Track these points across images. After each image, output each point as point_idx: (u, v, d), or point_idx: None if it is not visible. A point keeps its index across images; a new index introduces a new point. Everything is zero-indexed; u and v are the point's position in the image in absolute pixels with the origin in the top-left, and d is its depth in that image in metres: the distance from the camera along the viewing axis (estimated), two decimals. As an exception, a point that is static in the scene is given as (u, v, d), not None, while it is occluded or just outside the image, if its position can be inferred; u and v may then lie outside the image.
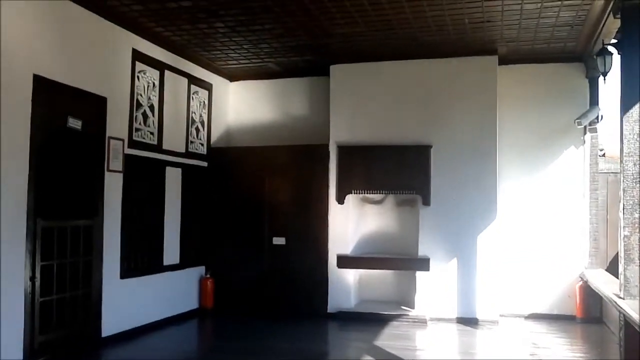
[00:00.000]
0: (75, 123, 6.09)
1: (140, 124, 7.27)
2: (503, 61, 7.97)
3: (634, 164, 5.26)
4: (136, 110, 7.21)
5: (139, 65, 7.25)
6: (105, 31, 6.61)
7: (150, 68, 7.46)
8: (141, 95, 7.31)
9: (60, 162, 6.12)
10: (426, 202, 7.93)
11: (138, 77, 7.24)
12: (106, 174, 6.60)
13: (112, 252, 6.71)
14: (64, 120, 5.97)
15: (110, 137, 6.65)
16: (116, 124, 6.79)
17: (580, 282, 7.81)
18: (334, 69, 8.42)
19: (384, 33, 7.15)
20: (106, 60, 6.63)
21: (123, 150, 6.88)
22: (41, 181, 5.66)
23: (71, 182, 6.26)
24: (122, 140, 6.89)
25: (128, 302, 6.99)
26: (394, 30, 7.03)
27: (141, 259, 7.26)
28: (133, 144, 7.11)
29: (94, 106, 6.43)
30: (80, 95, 6.19)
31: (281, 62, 8.63)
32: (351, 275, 8.27)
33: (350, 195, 8.25)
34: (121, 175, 6.86)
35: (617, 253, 7.66)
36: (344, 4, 6.19)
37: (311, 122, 9.01)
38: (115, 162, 6.75)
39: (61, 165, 6.15)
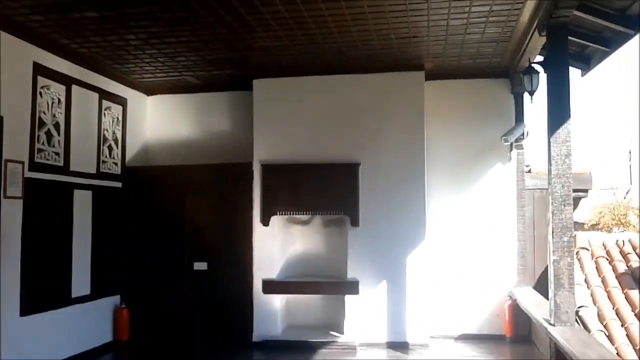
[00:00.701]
0: (-38, 146, 5.43)
1: (43, 144, 6.63)
2: (430, 76, 7.81)
3: (562, 186, 5.14)
4: (39, 129, 6.56)
5: (42, 80, 6.61)
6: (5, 44, 5.96)
7: (55, 83, 6.83)
8: (44, 112, 6.67)
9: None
10: (354, 222, 7.64)
11: (41, 93, 6.61)
12: (2, 201, 5.93)
13: (11, 288, 6.04)
14: (-51, 143, 5.31)
15: (7, 160, 6.00)
16: (15, 146, 6.14)
17: (509, 301, 7.72)
18: (257, 83, 8.03)
19: (307, 47, 6.83)
20: (1, 75, 5.97)
21: (23, 174, 6.23)
22: None
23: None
24: (22, 162, 6.24)
25: (31, 341, 6.33)
26: (318, 44, 6.72)
27: (46, 292, 6.59)
28: (35, 166, 6.46)
29: (-14, 126, 5.79)
30: (-32, 114, 5.54)
31: (201, 76, 8.17)
32: (278, 301, 7.86)
33: (275, 216, 7.85)
34: (21, 201, 6.20)
35: (545, 269, 7.66)
36: (265, 17, 5.82)
37: (234, 138, 8.57)
38: (14, 188, 6.09)
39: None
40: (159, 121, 9.00)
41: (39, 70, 6.54)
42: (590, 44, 6.74)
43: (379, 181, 7.67)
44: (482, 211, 8.01)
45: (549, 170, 5.21)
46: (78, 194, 7.25)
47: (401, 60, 7.40)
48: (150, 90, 8.91)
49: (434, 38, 6.56)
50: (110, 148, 8.02)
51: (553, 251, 5.14)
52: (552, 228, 5.14)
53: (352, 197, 7.66)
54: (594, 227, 15.21)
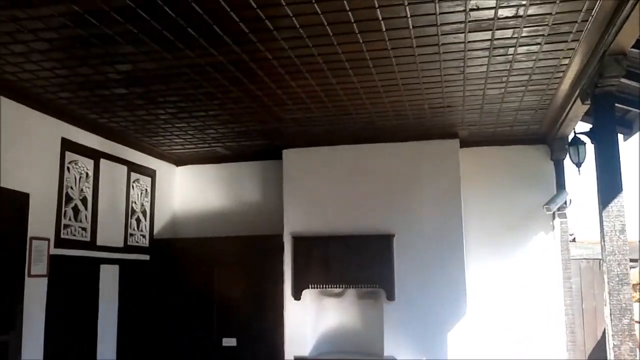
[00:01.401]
0: (-13, 226, 5.30)
1: (70, 219, 6.50)
2: (465, 143, 7.56)
3: (618, 264, 4.74)
4: (65, 204, 6.45)
5: (70, 155, 6.54)
6: (28, 120, 5.90)
7: (83, 157, 6.76)
8: (72, 187, 6.57)
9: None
10: (390, 296, 7.26)
11: (68, 168, 6.52)
12: (27, 280, 5.75)
13: (34, 368, 5.80)
14: (-26, 224, 5.19)
15: (32, 238, 5.85)
16: (40, 223, 6.01)
17: (559, 382, 7.18)
18: (287, 153, 7.87)
19: (338, 118, 6.67)
20: (29, 151, 5.90)
21: (48, 251, 6.07)
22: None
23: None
24: (47, 239, 6.09)
25: None
26: (349, 115, 6.55)
27: (69, 374, 6.34)
28: (61, 242, 6.31)
29: (12, 205, 5.67)
30: (-5, 193, 5.43)
31: (230, 147, 8.06)
32: (310, 380, 7.45)
33: (307, 290, 7.53)
34: (45, 279, 6.02)
35: (597, 346, 7.14)
36: (295, 90, 5.69)
37: (264, 209, 8.37)
38: (39, 266, 5.92)
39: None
40: (187, 192, 8.87)
41: (67, 145, 6.48)
42: (632, 109, 6.46)
43: (415, 253, 7.32)
44: (526, 283, 7.55)
45: (603, 247, 4.83)
46: (105, 268, 7.05)
47: (434, 129, 7.18)
48: (179, 160, 8.83)
49: (469, 107, 6.34)
50: (138, 220, 7.87)
51: (612, 335, 4.71)
52: (610, 310, 4.73)
53: (386, 270, 7.32)
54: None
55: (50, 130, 6.24)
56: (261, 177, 8.58)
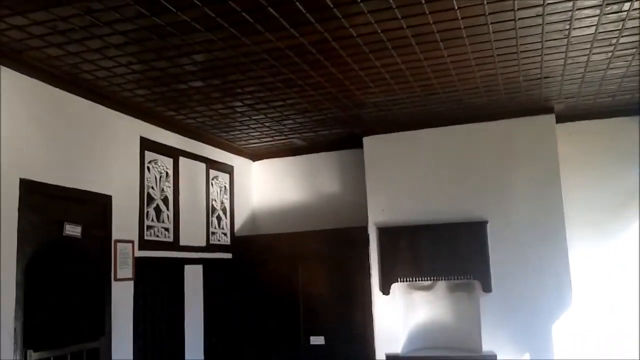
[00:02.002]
0: (73, 230, 5.19)
1: (152, 220, 6.38)
2: (560, 118, 6.94)
3: None
4: (147, 205, 6.32)
5: (149, 155, 6.41)
6: (107, 120, 5.80)
7: (162, 156, 6.62)
8: (153, 187, 6.44)
9: (56, 279, 5.14)
10: (487, 287, 6.77)
11: (148, 167, 6.40)
12: (113, 284, 5.64)
13: (126, 371, 5.70)
14: (60, 228, 5.08)
15: (117, 241, 5.74)
16: (124, 224, 5.89)
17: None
18: (368, 141, 7.49)
19: (423, 98, 6.24)
20: (109, 152, 5.79)
21: (133, 254, 5.96)
22: (32, 303, 4.73)
23: (70, 300, 5.28)
24: (132, 242, 5.97)
25: None
26: (436, 94, 6.11)
27: (160, 376, 6.22)
28: (145, 244, 6.18)
29: (96, 207, 5.57)
30: (78, 196, 5.33)
31: (307, 137, 7.77)
32: (405, 379, 7.07)
33: (396, 283, 7.15)
34: (131, 283, 5.90)
35: None
36: (379, 70, 5.30)
37: (345, 200, 8.04)
38: (124, 269, 5.81)
39: (57, 282, 5.16)
40: (265, 187, 8.66)
41: (146, 144, 6.35)
42: None
43: (512, 240, 6.79)
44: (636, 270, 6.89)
45: None
46: (189, 269, 6.91)
47: (528, 104, 6.63)
48: (255, 155, 8.63)
49: (569, 77, 5.77)
50: (219, 218, 7.71)
51: None
52: None
53: (481, 259, 6.83)
54: None
55: (129, 129, 6.12)
56: (340, 168, 8.25)
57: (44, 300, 4.95)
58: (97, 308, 5.47)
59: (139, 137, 6.25)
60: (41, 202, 4.92)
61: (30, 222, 4.76)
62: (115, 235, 5.73)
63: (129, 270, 5.87)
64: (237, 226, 8.10)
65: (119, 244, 5.76)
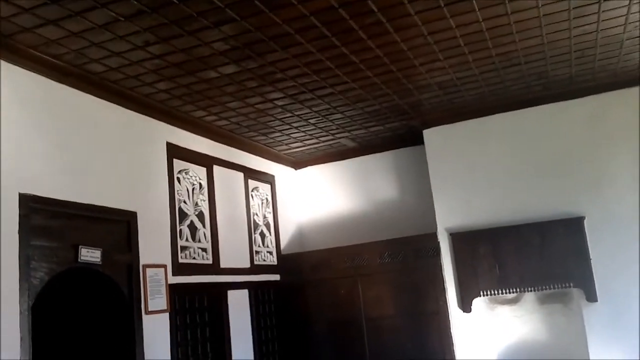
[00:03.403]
0: (91, 255, 4.24)
1: (187, 239, 5.42)
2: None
3: None
4: (180, 222, 5.37)
5: (179, 164, 5.48)
6: (126, 123, 4.89)
7: (193, 165, 5.69)
8: (185, 202, 5.49)
9: (71, 317, 4.22)
10: (591, 296, 5.60)
11: (178, 178, 5.46)
12: (145, 318, 4.66)
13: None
14: (74, 254, 4.13)
15: (145, 266, 4.78)
16: (153, 246, 4.93)
17: None
18: (429, 133, 6.43)
19: (500, 73, 5.16)
20: (130, 161, 4.87)
21: (166, 280, 4.98)
22: (42, 347, 3.80)
23: (90, 341, 4.33)
24: (164, 266, 5.01)
25: None
26: (518, 65, 5.03)
27: None
28: (179, 268, 5.22)
29: (118, 226, 4.62)
30: (95, 213, 4.39)
31: (358, 136, 6.75)
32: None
33: (477, 298, 6.02)
34: (166, 315, 4.92)
35: None
36: (453, 35, 4.27)
37: (406, 205, 6.98)
38: (157, 300, 4.83)
39: (72, 321, 4.23)
40: (311, 197, 7.65)
41: (174, 151, 5.42)
42: None
43: (616, 238, 5.62)
44: None
45: None
46: (233, 295, 5.91)
47: (625, 73, 5.50)
48: (297, 162, 7.65)
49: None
50: (262, 235, 6.72)
51: None
52: None
53: (580, 263, 5.67)
54: None
55: (153, 133, 5.20)
56: (396, 169, 7.20)
57: (57, 343, 4.00)
58: (126, 348, 4.49)
59: (165, 143, 5.32)
60: (49, 222, 4.00)
61: (36, 248, 3.84)
62: (143, 259, 4.77)
63: (162, 301, 4.89)
64: (283, 243, 7.08)
65: (148, 270, 4.79)
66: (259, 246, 6.59)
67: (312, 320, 6.69)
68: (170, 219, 5.22)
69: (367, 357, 6.40)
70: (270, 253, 6.83)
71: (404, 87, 5.26)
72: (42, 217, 3.95)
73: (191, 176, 5.64)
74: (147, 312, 4.69)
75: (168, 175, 5.30)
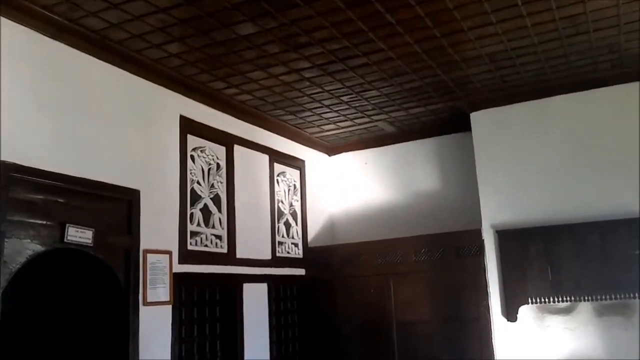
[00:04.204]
0: (80, 235, 3.72)
1: (198, 224, 4.89)
2: None
3: None
4: (192, 205, 4.83)
5: (193, 140, 4.95)
6: (133, 89, 4.38)
7: (210, 143, 5.15)
8: (199, 182, 4.95)
9: (53, 305, 3.71)
10: (664, 309, 4.82)
11: (192, 156, 4.92)
12: (142, 310, 4.13)
13: None
14: (61, 232, 3.62)
15: (147, 251, 4.24)
16: (158, 229, 4.41)
17: None
18: (477, 117, 5.72)
19: (564, 43, 4.42)
20: (136, 133, 4.35)
21: (170, 269, 4.44)
22: (13, 341, 3.30)
23: (76, 334, 3.82)
24: (169, 252, 4.47)
25: None
26: (585, 34, 4.28)
27: None
28: (188, 256, 4.68)
29: (116, 205, 4.10)
30: (91, 189, 3.88)
31: (396, 119, 6.09)
32: None
33: (525, 306, 5.29)
34: (169, 308, 4.38)
35: None
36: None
37: (449, 198, 6.30)
38: (158, 290, 4.30)
39: (55, 310, 3.73)
40: (345, 186, 7.03)
41: (189, 126, 4.88)
42: None
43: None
44: None
45: None
46: (249, 288, 5.34)
47: None
48: (331, 148, 7.03)
49: None
50: (287, 225, 6.14)
51: None
52: None
53: (648, 271, 4.89)
54: None
55: (164, 104, 4.67)
56: (439, 157, 6.52)
57: (32, 336, 3.50)
58: (118, 344, 3.96)
59: (178, 116, 4.79)
60: (32, 196, 3.50)
61: (13, 224, 3.34)
62: (144, 243, 4.24)
63: (164, 291, 4.35)
64: (310, 235, 6.48)
65: (149, 256, 4.26)
66: (282, 237, 6.02)
67: (337, 321, 6.07)
68: (180, 201, 4.69)
69: (396, 358, 5.76)
70: (296, 245, 6.24)
71: (450, 58, 4.57)
72: (24, 189, 3.47)
73: (207, 155, 5.10)
74: (146, 303, 4.16)
75: (180, 152, 4.77)
